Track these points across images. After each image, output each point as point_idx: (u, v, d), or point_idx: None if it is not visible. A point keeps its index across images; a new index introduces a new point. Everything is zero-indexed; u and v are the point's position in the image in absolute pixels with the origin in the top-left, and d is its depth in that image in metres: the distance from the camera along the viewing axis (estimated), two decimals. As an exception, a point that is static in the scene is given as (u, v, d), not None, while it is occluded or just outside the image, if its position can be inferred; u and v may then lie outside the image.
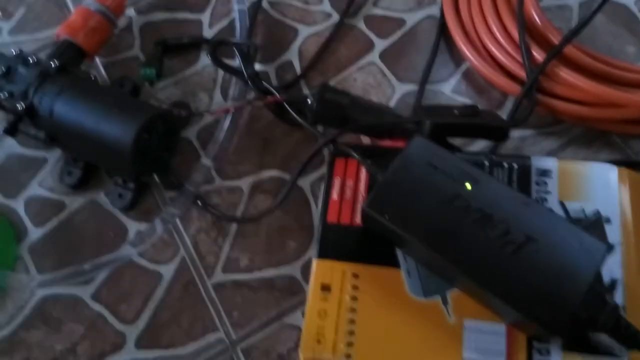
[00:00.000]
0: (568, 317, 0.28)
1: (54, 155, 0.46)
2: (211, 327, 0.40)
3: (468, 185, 0.32)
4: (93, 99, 0.41)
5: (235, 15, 0.48)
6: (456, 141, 0.41)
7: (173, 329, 0.40)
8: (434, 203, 0.32)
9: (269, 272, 0.41)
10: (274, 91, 0.42)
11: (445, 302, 0.33)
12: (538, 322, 0.28)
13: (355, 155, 0.36)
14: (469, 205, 0.31)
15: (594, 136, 0.43)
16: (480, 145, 0.42)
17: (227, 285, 0.41)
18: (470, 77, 0.46)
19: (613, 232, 0.34)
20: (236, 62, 0.46)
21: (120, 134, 0.39)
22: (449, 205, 0.32)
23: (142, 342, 0.40)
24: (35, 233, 0.44)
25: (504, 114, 0.43)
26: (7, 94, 0.41)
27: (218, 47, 0.44)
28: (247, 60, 0.45)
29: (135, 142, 0.39)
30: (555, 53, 0.40)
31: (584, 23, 0.40)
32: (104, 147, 0.40)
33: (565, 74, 0.40)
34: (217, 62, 0.43)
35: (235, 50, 0.44)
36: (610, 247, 0.34)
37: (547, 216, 0.31)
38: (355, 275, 0.35)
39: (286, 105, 0.41)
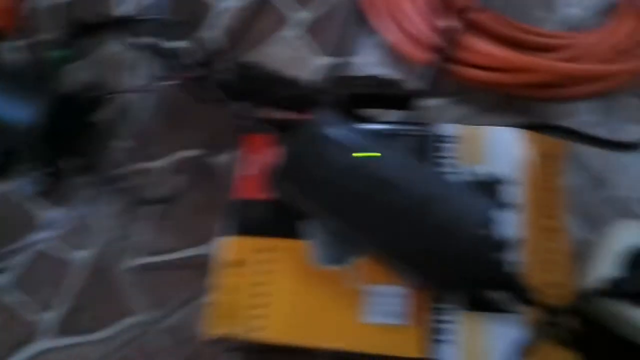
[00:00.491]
0: (460, 275, 0.29)
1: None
2: (128, 311, 0.39)
3: (367, 154, 0.32)
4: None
5: (148, -8, 0.47)
6: (367, 111, 0.41)
7: (89, 315, 0.39)
8: (335, 172, 0.32)
9: (185, 252, 0.40)
10: (189, 68, 0.41)
11: (351, 269, 0.34)
12: (431, 281, 0.29)
13: (263, 129, 0.36)
14: (368, 174, 0.31)
15: (504, 101, 0.43)
16: (392, 115, 0.43)
17: (141, 268, 0.40)
18: (385, 47, 0.46)
19: (511, 192, 0.35)
20: (152, 39, 0.45)
21: (26, 118, 0.38)
22: (349, 174, 0.32)
23: (60, 329, 0.39)
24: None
25: (418, 83, 0.44)
26: None
27: (133, 25, 0.43)
28: (163, 37, 0.44)
29: (41, 125, 0.38)
30: (461, 19, 0.40)
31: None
32: (11, 132, 0.39)
33: (473, 41, 0.40)
34: (132, 40, 0.42)
35: (151, 27, 0.43)
36: (507, 206, 0.34)
37: (441, 180, 0.31)
38: (265, 249, 0.35)
39: (200, 82, 0.40)
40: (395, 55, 0.46)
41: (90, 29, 0.46)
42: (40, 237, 0.41)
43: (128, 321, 0.39)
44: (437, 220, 0.30)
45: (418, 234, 0.30)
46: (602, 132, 0.42)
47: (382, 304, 0.33)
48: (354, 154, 0.32)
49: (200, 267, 0.40)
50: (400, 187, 0.31)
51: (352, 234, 0.32)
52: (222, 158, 0.43)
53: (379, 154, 0.32)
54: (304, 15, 0.48)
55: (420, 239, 0.30)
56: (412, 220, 0.30)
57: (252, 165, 0.37)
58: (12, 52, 0.47)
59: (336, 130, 0.33)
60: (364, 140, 0.33)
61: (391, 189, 0.31)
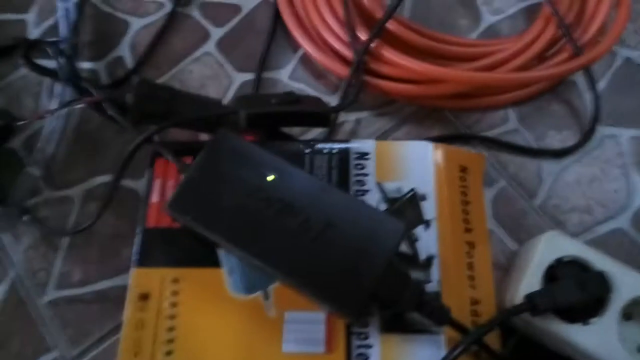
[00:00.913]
0: (363, 298, 0.28)
1: None
2: (44, 348, 0.37)
3: (269, 177, 0.31)
4: None
5: (59, 12, 0.45)
6: (294, 130, 0.41)
7: (4, 353, 0.37)
8: (236, 198, 0.31)
9: (103, 284, 0.39)
10: (92, 90, 0.39)
11: (266, 297, 0.33)
12: (334, 307, 0.28)
13: (165, 153, 0.34)
14: (269, 197, 0.30)
15: (426, 113, 0.43)
16: (317, 132, 0.42)
17: (60, 302, 0.38)
18: (307, 62, 0.45)
19: (429, 208, 0.34)
20: (60, 61, 0.42)
21: None
22: (250, 198, 0.31)
23: (-27, 373, 0.37)
24: None
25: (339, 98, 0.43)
26: None
27: (33, 48, 0.41)
28: (67, 59, 0.42)
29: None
30: (376, 31, 0.40)
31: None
32: None
33: (388, 52, 0.40)
34: (30, 64, 0.40)
35: (49, 50, 0.41)
36: (426, 223, 0.34)
37: (347, 201, 0.30)
38: (176, 280, 0.33)
39: (105, 105, 0.39)
40: (315, 70, 0.45)
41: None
42: (-50, 275, 0.39)
43: (47, 358, 0.37)
44: (344, 242, 0.29)
45: (325, 258, 0.29)
46: (527, 140, 0.42)
47: (301, 332, 0.32)
48: (257, 177, 0.31)
49: (119, 299, 0.38)
50: (303, 210, 0.30)
51: (257, 262, 0.31)
52: (138, 183, 0.41)
53: (282, 177, 0.31)
54: (221, 31, 0.46)
55: (327, 264, 0.29)
56: (318, 243, 0.29)
57: (164, 192, 0.36)
58: None
59: (237, 153, 0.32)
60: (267, 162, 0.31)
61: (292, 212, 0.30)
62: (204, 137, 0.41)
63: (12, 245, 0.40)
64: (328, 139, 0.41)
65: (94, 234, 0.40)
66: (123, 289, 0.38)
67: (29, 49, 0.40)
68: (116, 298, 0.38)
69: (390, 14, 0.40)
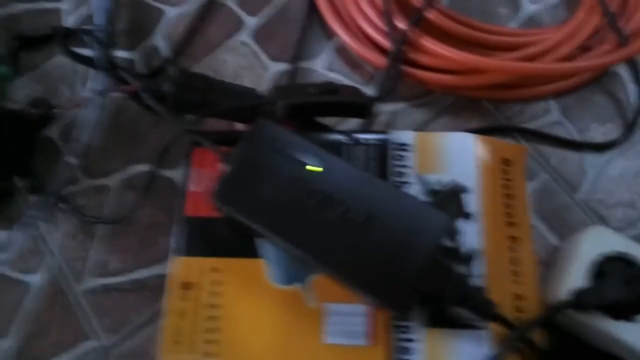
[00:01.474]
0: (406, 291, 0.28)
1: None
2: (83, 336, 0.38)
3: (311, 167, 0.30)
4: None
5: (95, 0, 0.45)
6: (330, 120, 0.40)
7: (43, 341, 0.38)
8: (277, 188, 0.31)
9: (141, 273, 0.39)
10: (131, 79, 0.39)
11: (306, 288, 0.33)
12: (379, 299, 0.28)
13: (206, 143, 0.34)
14: (310, 188, 0.30)
15: (464, 104, 0.42)
16: (354, 123, 0.41)
17: (97, 290, 0.39)
18: (342, 52, 0.44)
19: (471, 201, 0.34)
20: (98, 50, 0.43)
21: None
22: (291, 189, 0.30)
23: (13, 357, 0.38)
24: None
25: (376, 88, 0.42)
26: None
27: (73, 37, 0.41)
28: (105, 48, 0.42)
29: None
30: (416, 20, 0.39)
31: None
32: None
33: (428, 42, 0.39)
34: (69, 52, 0.40)
35: (88, 38, 0.41)
36: (467, 216, 0.33)
37: (389, 192, 0.30)
38: (216, 270, 0.33)
39: (142, 94, 0.39)
40: (351, 60, 0.44)
41: (33, 42, 0.44)
42: (-10, 262, 0.39)
43: (86, 346, 0.38)
44: (387, 234, 0.29)
45: (367, 250, 0.29)
46: (570, 133, 0.41)
47: (342, 324, 0.32)
48: (299, 168, 0.30)
49: (157, 288, 0.38)
50: (343, 201, 0.29)
51: (298, 253, 0.30)
52: (175, 172, 0.41)
53: (322, 167, 0.31)
54: (255, 20, 0.46)
55: (369, 256, 0.29)
56: (359, 235, 0.29)
57: (202, 181, 0.36)
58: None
59: (278, 143, 0.31)
60: (308, 153, 0.31)
61: (333, 203, 0.29)
62: (238, 126, 0.41)
63: (50, 234, 0.40)
64: (364, 130, 0.40)
65: (131, 222, 0.40)
66: (160, 277, 0.39)
67: (67, 38, 0.40)
68: (153, 286, 0.39)
69: (430, 1, 0.39)
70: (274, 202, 0.30)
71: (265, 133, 0.31)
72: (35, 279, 0.39)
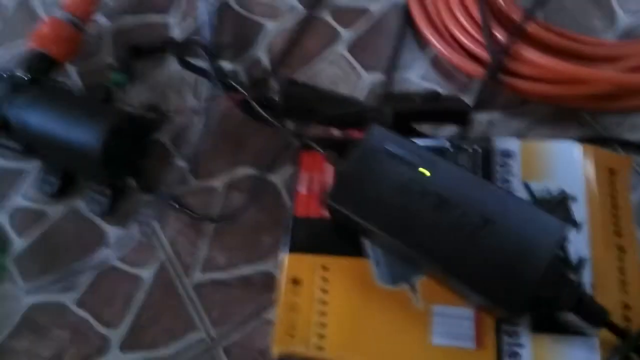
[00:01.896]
0: (527, 296, 0.28)
1: (33, 166, 0.46)
2: (192, 327, 0.40)
3: (424, 171, 0.32)
4: (63, 107, 0.42)
5: (202, 15, 0.48)
6: (425, 128, 0.41)
7: (155, 330, 0.41)
8: (391, 190, 0.32)
9: (246, 269, 0.41)
10: (240, 89, 0.42)
11: (412, 288, 0.34)
12: (497, 303, 0.29)
13: (317, 148, 0.36)
14: (425, 190, 0.31)
15: (562, 114, 0.42)
16: (449, 130, 0.42)
17: (206, 284, 0.42)
18: (437, 62, 0.46)
19: (579, 210, 0.34)
20: (203, 62, 0.46)
21: (89, 139, 0.40)
22: (406, 191, 0.32)
23: (126, 345, 0.41)
24: (19, 243, 0.44)
25: (471, 97, 0.43)
26: (-19, 111, 0.42)
27: (184, 49, 0.44)
28: (214, 59, 0.45)
29: (104, 146, 0.39)
30: (516, 32, 0.40)
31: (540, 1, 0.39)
32: (76, 153, 0.41)
33: (528, 52, 0.40)
34: (184, 63, 0.43)
35: (201, 50, 0.45)
36: (575, 225, 0.34)
37: (505, 197, 0.31)
38: (325, 268, 0.35)
39: (252, 102, 0.41)
40: (444, 69, 0.45)
41: (146, 52, 0.48)
42: (105, 254, 0.43)
43: (193, 337, 0.40)
44: (504, 239, 0.30)
45: (484, 254, 0.30)
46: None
47: (449, 325, 0.33)
48: (412, 171, 0.32)
49: (261, 284, 0.41)
50: (459, 205, 0.30)
51: (411, 254, 0.32)
52: (279, 176, 0.44)
53: (436, 171, 0.32)
54: (350, 33, 0.48)
55: (487, 260, 0.29)
56: (476, 239, 0.30)
57: (310, 183, 0.38)
58: (68, 75, 0.49)
59: (392, 147, 0.33)
60: (421, 157, 0.32)
61: (448, 206, 0.30)
62: (334, 132, 0.43)
63: (163, 230, 0.43)
64: (467, 137, 0.41)
65: (237, 221, 0.42)
66: (263, 274, 0.41)
67: (181, 50, 0.44)
68: (258, 282, 0.41)
69: (531, 14, 0.40)
70: (387, 204, 0.32)
71: (378, 137, 0.33)
72: (148, 272, 0.42)
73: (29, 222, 0.45)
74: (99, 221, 0.44)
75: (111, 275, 0.43)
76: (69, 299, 0.42)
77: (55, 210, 0.45)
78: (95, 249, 0.43)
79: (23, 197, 0.46)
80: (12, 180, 0.46)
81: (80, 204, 0.45)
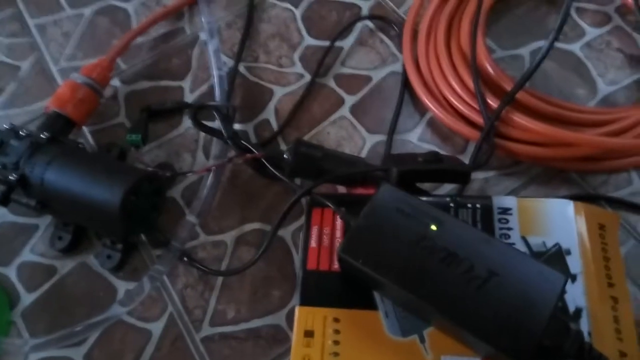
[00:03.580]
0: (533, 345, 0.30)
1: (44, 222, 0.48)
2: (201, 381, 0.41)
3: (433, 227, 0.34)
4: (82, 165, 0.44)
5: (215, 80, 0.52)
6: (425, 185, 0.44)
7: (165, 386, 0.41)
8: (402, 245, 0.34)
9: (255, 323, 0.42)
10: (252, 149, 0.45)
11: (422, 340, 0.35)
12: (505, 353, 0.30)
13: (329, 204, 0.38)
14: (434, 245, 0.33)
15: (552, 174, 0.46)
16: (447, 188, 0.45)
17: (215, 338, 0.42)
18: (434, 125, 0.50)
19: (574, 263, 0.36)
20: (216, 123, 0.49)
21: (108, 197, 0.41)
22: (416, 246, 0.34)
23: (134, 400, 0.41)
24: (27, 298, 0.45)
25: (466, 158, 0.47)
26: (0, 167, 0.44)
27: (199, 111, 0.47)
28: (227, 121, 0.48)
29: (123, 204, 0.41)
30: (508, 100, 0.44)
31: (531, 71, 0.43)
32: (94, 210, 0.42)
33: (519, 118, 0.44)
34: (198, 124, 0.46)
35: (215, 113, 0.48)
36: (571, 277, 0.36)
37: (508, 251, 0.33)
38: (337, 320, 0.36)
39: (264, 161, 0.44)
40: (442, 132, 0.49)
41: (159, 115, 0.51)
42: (118, 309, 0.43)
43: (201, 392, 0.40)
44: (509, 290, 0.31)
45: (491, 305, 0.31)
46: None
47: (458, 376, 0.34)
48: (422, 226, 0.34)
49: (270, 337, 0.42)
50: (466, 259, 0.32)
51: (420, 305, 0.33)
52: (287, 231, 0.45)
53: (443, 226, 0.34)
54: (354, 98, 0.52)
55: (493, 311, 0.31)
56: (483, 291, 0.32)
57: (320, 237, 0.39)
58: (88, 137, 0.51)
59: (402, 204, 0.35)
60: (429, 213, 0.35)
61: (457, 260, 0.32)
62: (340, 189, 0.45)
63: (173, 284, 0.44)
64: (460, 195, 0.44)
65: (246, 275, 0.44)
66: (273, 327, 0.42)
67: (197, 112, 0.46)
68: (268, 336, 0.42)
69: (522, 84, 0.44)
70: (398, 258, 0.34)
71: (388, 195, 0.36)
72: (157, 326, 0.43)
73: (37, 276, 0.46)
74: (109, 276, 0.45)
75: (120, 329, 0.43)
76: (77, 354, 0.42)
77: (65, 265, 0.46)
78: (105, 304, 0.44)
79: (32, 252, 0.47)
80: (23, 235, 0.47)
81: (91, 259, 0.46)
